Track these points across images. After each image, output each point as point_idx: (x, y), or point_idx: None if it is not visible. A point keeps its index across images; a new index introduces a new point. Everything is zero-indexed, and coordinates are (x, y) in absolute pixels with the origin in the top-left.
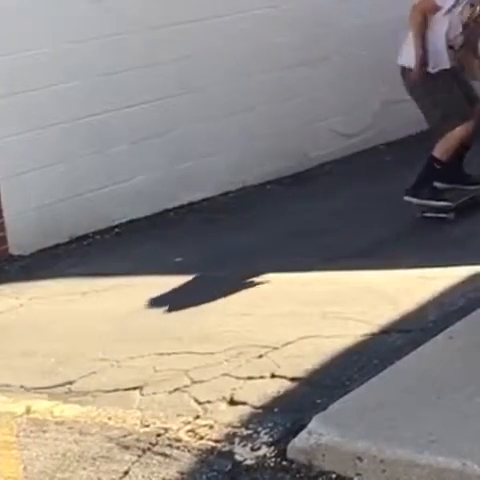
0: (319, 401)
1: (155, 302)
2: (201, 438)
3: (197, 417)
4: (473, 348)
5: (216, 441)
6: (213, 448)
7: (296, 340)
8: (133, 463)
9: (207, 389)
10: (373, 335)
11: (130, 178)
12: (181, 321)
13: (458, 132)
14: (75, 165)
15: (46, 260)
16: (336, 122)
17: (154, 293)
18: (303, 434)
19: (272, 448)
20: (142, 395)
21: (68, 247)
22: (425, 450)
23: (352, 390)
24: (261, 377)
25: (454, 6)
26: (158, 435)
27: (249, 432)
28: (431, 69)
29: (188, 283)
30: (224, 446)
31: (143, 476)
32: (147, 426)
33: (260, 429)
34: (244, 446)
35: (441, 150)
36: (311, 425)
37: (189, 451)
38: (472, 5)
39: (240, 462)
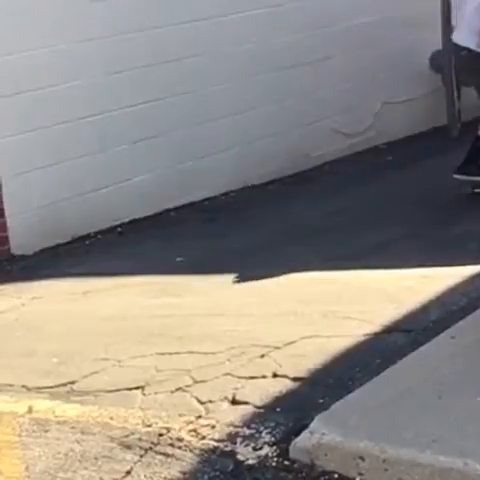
0: (321, 401)
1: (157, 302)
2: (203, 438)
3: (199, 417)
4: (475, 348)
5: (218, 441)
6: (215, 448)
7: (298, 340)
8: (135, 463)
9: (209, 389)
10: (375, 335)
11: (132, 178)
12: (183, 321)
13: None
14: (77, 165)
15: (48, 260)
16: (338, 122)
17: (155, 293)
18: (305, 434)
19: (274, 448)
20: (144, 395)
21: (70, 247)
22: (427, 449)
23: (354, 390)
24: (263, 377)
25: None
26: (160, 435)
27: (251, 432)
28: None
29: (189, 283)
30: (226, 446)
31: (145, 476)
32: (149, 426)
33: (262, 429)
34: (246, 446)
35: None
36: (313, 425)
37: (191, 451)
38: None
39: (242, 462)
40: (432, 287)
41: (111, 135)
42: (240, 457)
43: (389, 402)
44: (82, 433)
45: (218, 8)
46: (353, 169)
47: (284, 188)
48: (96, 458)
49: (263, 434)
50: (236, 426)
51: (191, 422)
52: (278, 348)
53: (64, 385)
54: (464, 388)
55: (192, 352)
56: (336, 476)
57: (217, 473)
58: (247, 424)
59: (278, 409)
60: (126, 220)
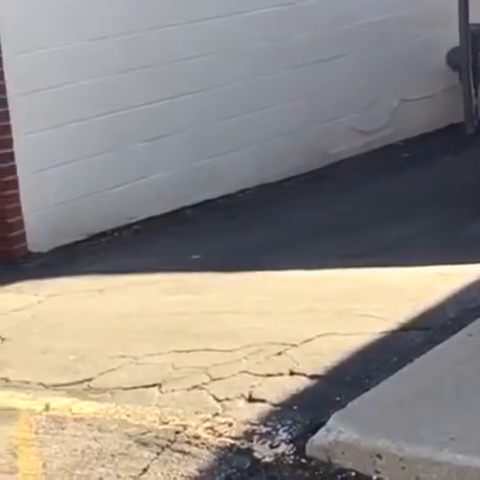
0: (338, 398)
1: (173, 299)
2: (220, 435)
3: (216, 414)
4: None
5: (235, 438)
6: (232, 445)
7: (315, 337)
8: (152, 460)
9: (226, 386)
10: (392, 332)
11: (148, 175)
12: (199, 318)
13: None
14: (94, 162)
15: (64, 257)
16: (354, 119)
17: (172, 290)
18: (322, 432)
19: (291, 445)
20: (161, 392)
21: (86, 244)
22: (445, 448)
23: (371, 388)
24: (280, 374)
25: None
26: (177, 432)
27: (268, 429)
28: None
29: (205, 280)
30: (243, 443)
31: (162, 473)
32: (166, 423)
33: (279, 426)
34: (263, 443)
35: None
36: (330, 422)
37: (208, 448)
38: None
39: (259, 459)
40: (449, 285)
41: (127, 133)
42: (257, 455)
43: (406, 400)
44: (99, 430)
45: (232, 6)
46: (370, 167)
47: (300, 186)
48: (113, 455)
49: (280, 432)
50: (253, 424)
51: (208, 420)
52: (295, 346)
53: (81, 382)
54: None
55: (209, 350)
56: (353, 474)
57: (234, 471)
58: (264, 422)
59: (295, 407)
60: (142, 218)
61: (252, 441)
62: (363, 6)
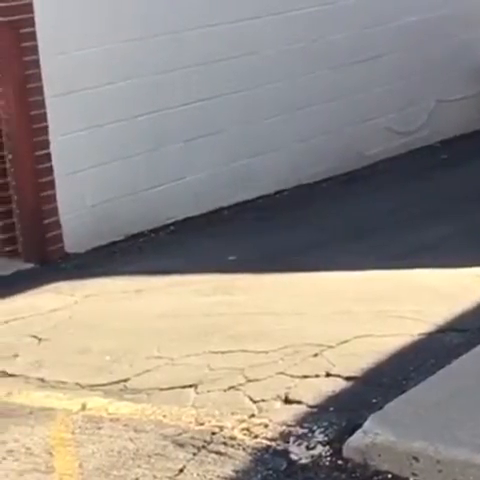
0: (375, 400)
1: (209, 300)
2: (256, 437)
3: (252, 415)
4: None
5: (271, 440)
6: (268, 447)
7: (351, 339)
8: (188, 461)
9: (262, 388)
10: (429, 334)
11: (185, 176)
12: (236, 319)
13: None
14: (131, 163)
15: (101, 258)
16: (391, 120)
17: (208, 291)
18: (359, 433)
19: (327, 447)
20: (197, 393)
21: (123, 245)
22: None
23: (408, 389)
24: (316, 376)
25: None
26: (213, 433)
27: (304, 431)
28: None
29: (242, 281)
30: (279, 445)
31: (198, 474)
32: (202, 424)
33: (315, 428)
34: (299, 445)
35: None
36: (367, 424)
37: (244, 449)
38: None
39: (295, 461)
40: None
41: (165, 134)
42: (293, 456)
43: (443, 402)
44: (135, 431)
45: (270, 7)
46: (407, 167)
47: (338, 186)
48: (149, 456)
49: (316, 433)
50: (289, 425)
51: (244, 421)
52: (331, 347)
53: (117, 383)
54: None
55: (245, 351)
56: (389, 476)
57: (270, 472)
58: (300, 423)
59: (331, 408)
60: (179, 219)
61: (288, 442)
62: (401, 6)
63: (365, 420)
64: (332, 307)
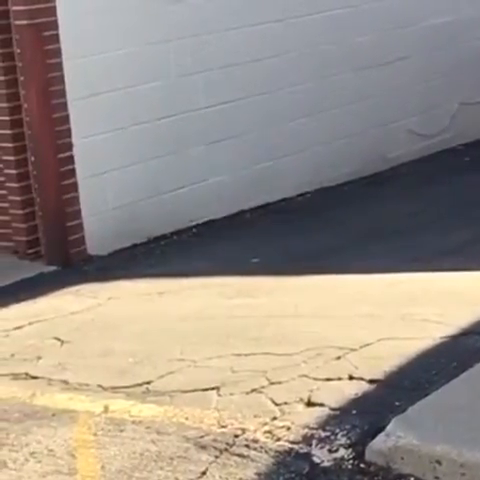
0: (397, 403)
1: (232, 303)
2: (278, 439)
3: (274, 418)
4: None
5: (293, 442)
6: (290, 449)
7: (374, 342)
8: (210, 463)
9: (284, 390)
10: (452, 337)
11: (208, 178)
12: (258, 322)
13: None
14: (153, 166)
15: (124, 260)
16: (414, 122)
17: (231, 294)
18: (381, 436)
19: (350, 450)
20: (219, 395)
21: (146, 247)
22: None
23: (431, 392)
24: (339, 379)
25: None
26: (235, 436)
27: (327, 434)
28: None
29: (264, 284)
30: (301, 448)
31: (220, 477)
32: (224, 427)
33: (338, 431)
34: (322, 448)
35: None
36: (389, 427)
37: (266, 452)
38: None
39: (318, 464)
40: None
41: (187, 136)
42: (316, 459)
43: (466, 405)
44: (158, 433)
45: (294, 9)
46: (430, 170)
47: (360, 189)
48: (171, 458)
49: (339, 436)
50: (311, 428)
51: (266, 423)
52: (354, 350)
53: (140, 385)
54: None
55: (268, 353)
56: (412, 479)
57: (292, 475)
58: (323, 426)
59: (354, 411)
60: (202, 221)
61: (311, 445)
62: (425, 9)
63: (388, 423)
64: (355, 310)
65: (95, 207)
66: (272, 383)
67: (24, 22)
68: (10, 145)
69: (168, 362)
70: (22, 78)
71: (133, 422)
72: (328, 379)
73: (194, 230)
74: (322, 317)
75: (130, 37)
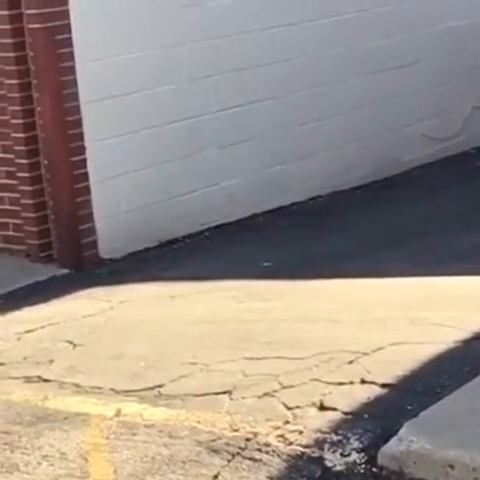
0: (410, 408)
1: (244, 306)
2: (290, 443)
3: (286, 422)
4: None
5: (306, 446)
6: (303, 453)
7: (387, 346)
8: (222, 467)
9: (296, 394)
10: (465, 342)
11: (220, 182)
12: (270, 326)
13: None
14: (166, 169)
15: (136, 264)
16: (427, 126)
17: (243, 297)
18: (394, 441)
19: (362, 454)
20: (231, 399)
21: (158, 251)
22: None
23: (444, 397)
24: (351, 383)
25: None
26: (247, 439)
27: (339, 438)
28: None
29: (276, 288)
30: (314, 452)
31: None
32: (236, 430)
33: (350, 435)
34: (334, 452)
35: None
36: (402, 432)
37: (278, 456)
38: None
39: (330, 468)
40: None
41: (200, 140)
42: (328, 463)
43: (479, 409)
44: (170, 437)
45: (305, 14)
46: (443, 174)
47: (373, 193)
48: (183, 462)
49: (351, 440)
50: (324, 432)
51: (278, 427)
52: (366, 354)
53: (152, 389)
54: None
55: (280, 357)
56: None
57: (304, 479)
58: (335, 430)
59: (366, 415)
60: (214, 224)
61: (323, 449)
62: (438, 13)
63: (400, 427)
64: (367, 314)
65: (107, 210)
66: (284, 387)
67: (37, 25)
68: (23, 148)
69: (180, 366)
70: (35, 81)
71: (145, 426)
72: (340, 383)
73: (206, 233)
74: (334, 321)
75: (143, 41)
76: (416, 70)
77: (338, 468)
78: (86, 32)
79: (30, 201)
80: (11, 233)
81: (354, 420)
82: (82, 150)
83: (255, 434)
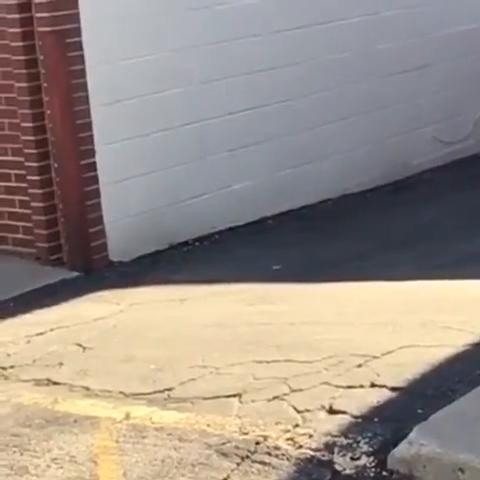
0: (420, 411)
1: (254, 310)
2: (300, 447)
3: (296, 425)
4: None
5: (315, 450)
6: (312, 457)
7: (396, 349)
8: (232, 471)
9: (306, 397)
10: (475, 345)
11: (230, 185)
12: (280, 329)
13: None
14: (175, 172)
15: (146, 267)
16: (437, 130)
17: (252, 300)
18: (404, 444)
19: (372, 458)
20: (241, 402)
21: (168, 254)
22: None
23: (454, 400)
24: (361, 386)
25: None
26: (257, 443)
27: (349, 441)
28: None
29: (286, 291)
30: (323, 455)
31: None
32: (246, 434)
33: (360, 438)
34: (344, 455)
35: None
36: (412, 435)
37: (288, 459)
38: None
39: (339, 472)
40: None
41: (210, 143)
42: (337, 467)
43: None
44: (179, 440)
45: (317, 16)
46: (453, 177)
47: (383, 196)
48: (193, 465)
49: (361, 444)
50: (333, 435)
51: (288, 431)
52: (376, 357)
53: (161, 392)
54: None
55: (289, 360)
56: None
57: None
58: (345, 434)
59: (376, 419)
60: (224, 227)
61: (333, 453)
62: (447, 16)
63: (410, 431)
64: (377, 317)
65: (117, 213)
66: (294, 390)
67: (47, 29)
68: (33, 151)
69: (190, 369)
70: (45, 84)
71: (155, 429)
72: (350, 386)
73: (216, 236)
74: (344, 324)
75: (153, 44)
76: (426, 73)
77: (348, 472)
78: (96, 35)
79: (40, 204)
80: (21, 236)
81: (364, 423)
82: (92, 153)
83: (265, 437)
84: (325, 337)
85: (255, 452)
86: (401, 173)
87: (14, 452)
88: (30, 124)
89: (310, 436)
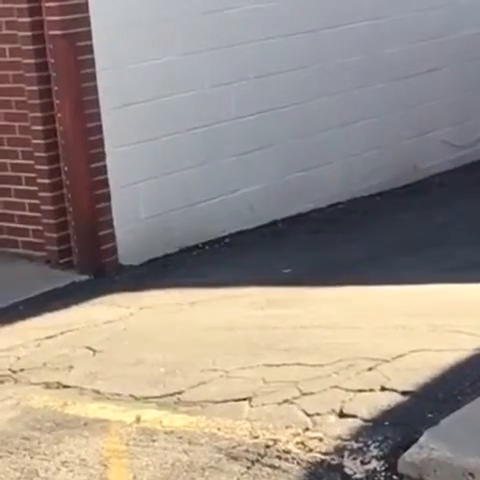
0: (430, 415)
1: (264, 313)
2: (310, 450)
3: (306, 429)
4: None
5: (325, 454)
6: (322, 461)
7: (407, 353)
8: (242, 474)
9: (316, 401)
10: None
11: (239, 189)
12: (290, 333)
13: None
14: (185, 176)
15: (155, 270)
16: (447, 133)
17: (262, 304)
18: (414, 448)
19: (382, 462)
20: (251, 406)
21: (177, 257)
22: None
23: (464, 405)
24: (371, 390)
25: None
26: (267, 446)
27: (359, 445)
28: None
29: (296, 294)
30: (333, 459)
31: None
32: (256, 437)
33: (370, 442)
34: (354, 459)
35: None
36: (422, 439)
37: (298, 463)
38: None
39: (350, 475)
40: None
41: (219, 146)
42: (348, 471)
43: None
44: (189, 443)
45: (325, 20)
46: (462, 181)
47: (392, 200)
48: (203, 469)
49: (371, 448)
50: (344, 439)
51: (298, 434)
52: (386, 361)
53: (171, 395)
54: None
55: (299, 364)
56: None
57: None
58: (355, 437)
59: (386, 423)
60: (233, 231)
61: (343, 457)
62: (458, 19)
63: (420, 435)
64: (387, 321)
65: (127, 217)
66: (304, 394)
67: (58, 32)
68: (43, 155)
69: (200, 372)
70: (56, 88)
71: (165, 432)
72: (360, 390)
73: (226, 240)
74: (354, 328)
75: (163, 47)
76: (436, 77)
77: (358, 476)
78: (107, 39)
79: (50, 207)
80: (31, 239)
81: (374, 427)
82: (102, 156)
83: (275, 441)
84: (335, 340)
85: (265, 456)
86: (411, 177)
87: (24, 455)
88: (40, 127)
89: (320, 440)
